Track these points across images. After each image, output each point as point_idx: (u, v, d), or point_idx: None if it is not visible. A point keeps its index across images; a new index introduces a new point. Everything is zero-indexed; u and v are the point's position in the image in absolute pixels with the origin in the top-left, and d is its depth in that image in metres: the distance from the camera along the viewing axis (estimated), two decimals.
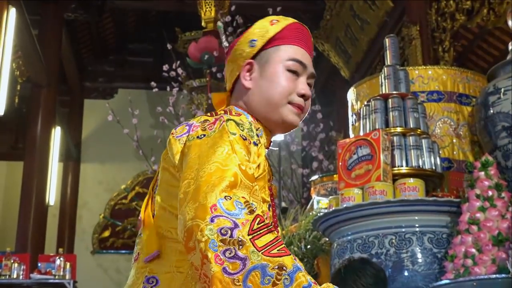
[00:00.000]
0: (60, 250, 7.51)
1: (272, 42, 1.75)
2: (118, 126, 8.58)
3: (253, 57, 1.75)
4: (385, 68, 4.33)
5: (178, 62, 8.50)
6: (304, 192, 8.54)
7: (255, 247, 1.39)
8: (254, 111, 1.73)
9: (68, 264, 6.71)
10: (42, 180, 8.57)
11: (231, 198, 1.45)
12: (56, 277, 6.68)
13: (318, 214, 4.38)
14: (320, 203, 5.28)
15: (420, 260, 3.64)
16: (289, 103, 1.72)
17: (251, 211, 1.44)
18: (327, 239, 4.61)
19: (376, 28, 8.13)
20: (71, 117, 11.57)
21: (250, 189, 1.51)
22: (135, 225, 11.48)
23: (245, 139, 1.59)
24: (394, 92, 4.20)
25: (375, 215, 3.77)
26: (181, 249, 1.55)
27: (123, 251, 11.41)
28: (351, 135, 4.84)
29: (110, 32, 11.77)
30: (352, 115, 5.01)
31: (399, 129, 4.03)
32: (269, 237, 1.42)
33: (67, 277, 6.71)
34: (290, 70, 1.74)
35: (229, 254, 1.38)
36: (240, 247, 1.39)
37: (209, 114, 1.68)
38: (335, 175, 5.19)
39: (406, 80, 4.32)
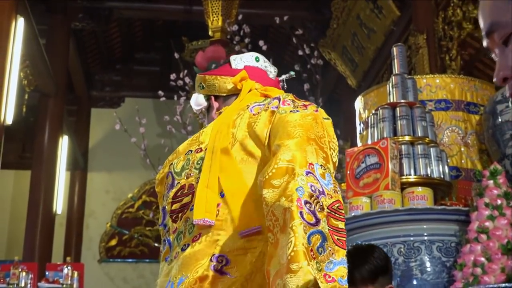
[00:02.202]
0: (68, 259, 7.50)
1: None
2: (125, 135, 8.59)
3: None
4: (393, 77, 4.34)
5: (185, 71, 8.51)
6: None
7: (327, 221, 1.46)
8: None
9: (76, 273, 6.69)
10: (49, 189, 8.59)
11: (325, 169, 1.54)
12: (64, 286, 6.66)
13: None
14: None
15: (429, 269, 3.64)
16: None
17: (336, 191, 1.53)
18: None
19: (383, 37, 8.14)
20: (78, 126, 11.59)
21: (333, 171, 1.60)
22: (142, 234, 11.49)
23: (333, 126, 1.72)
24: (402, 100, 4.20)
25: (384, 223, 3.77)
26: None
27: (130, 260, 11.41)
28: (359, 143, 4.84)
29: (117, 41, 11.81)
30: (360, 124, 5.02)
31: (407, 138, 4.03)
32: (339, 224, 1.49)
33: (75, 286, 6.70)
34: None
35: (309, 207, 1.44)
36: (320, 210, 1.45)
37: (290, 97, 1.79)
38: (343, 184, 5.18)
39: (414, 88, 4.33)
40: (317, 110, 1.71)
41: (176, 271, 1.63)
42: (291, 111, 1.68)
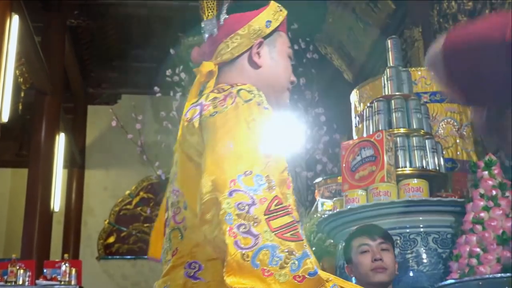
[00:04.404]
0: (66, 256, 7.51)
1: (278, 26, 1.89)
2: (122, 132, 8.60)
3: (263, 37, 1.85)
4: (388, 70, 4.33)
5: (181, 67, 8.51)
6: (308, 195, 8.53)
7: (269, 227, 1.43)
8: (257, 87, 1.78)
9: (73, 270, 6.71)
10: (46, 187, 8.58)
11: (251, 173, 1.49)
12: (62, 283, 6.67)
13: (323, 216, 4.38)
14: (325, 205, 5.29)
15: (425, 261, 3.64)
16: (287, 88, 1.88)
17: (270, 188, 1.49)
18: (332, 241, 4.61)
19: (379, 31, 8.13)
20: (75, 124, 11.58)
21: (266, 165, 1.54)
22: (140, 230, 11.49)
23: (259, 104, 1.65)
24: (397, 93, 4.20)
25: (380, 216, 3.76)
26: None
27: (128, 257, 11.42)
28: (355, 136, 4.84)
29: (113, 38, 11.78)
30: (355, 117, 5.02)
31: (402, 130, 4.03)
32: (285, 220, 1.46)
33: (73, 282, 6.71)
34: (289, 57, 1.91)
35: (243, 229, 1.42)
36: (255, 224, 1.43)
37: (216, 91, 1.72)
38: (339, 177, 5.19)
39: (408, 81, 4.33)
40: (233, 102, 1.63)
41: (162, 280, 1.72)
42: (210, 115, 1.62)
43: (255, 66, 1.82)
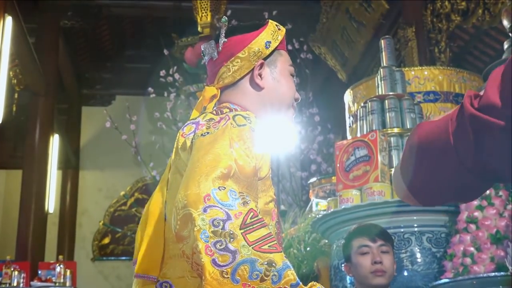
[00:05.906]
0: (60, 257, 7.50)
1: (277, 46, 1.87)
2: (117, 133, 8.58)
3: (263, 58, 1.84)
4: (381, 70, 4.34)
5: (175, 68, 8.51)
6: (303, 195, 8.55)
7: (246, 241, 1.41)
8: (261, 108, 1.80)
9: (68, 271, 6.70)
10: (41, 188, 8.56)
11: (225, 188, 1.47)
12: (57, 284, 6.67)
13: (317, 216, 4.38)
14: (319, 205, 5.29)
15: (419, 260, 3.65)
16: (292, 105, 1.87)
17: (245, 203, 1.47)
18: (326, 240, 4.61)
19: (372, 30, 8.15)
20: (69, 125, 11.56)
21: (245, 184, 1.52)
22: (135, 231, 11.46)
23: (253, 131, 1.63)
24: (391, 93, 4.21)
25: (374, 215, 3.77)
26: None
27: (123, 258, 11.39)
28: (349, 136, 4.85)
29: (107, 39, 11.78)
30: (349, 117, 5.03)
31: (396, 130, 4.04)
32: (261, 232, 1.44)
33: (68, 284, 6.71)
34: (291, 75, 1.88)
35: (220, 246, 1.40)
36: (231, 240, 1.41)
37: (214, 112, 1.71)
38: (333, 177, 5.20)
39: (402, 81, 4.34)
40: (225, 124, 1.62)
41: None
42: (202, 134, 1.62)
43: (258, 88, 1.81)
